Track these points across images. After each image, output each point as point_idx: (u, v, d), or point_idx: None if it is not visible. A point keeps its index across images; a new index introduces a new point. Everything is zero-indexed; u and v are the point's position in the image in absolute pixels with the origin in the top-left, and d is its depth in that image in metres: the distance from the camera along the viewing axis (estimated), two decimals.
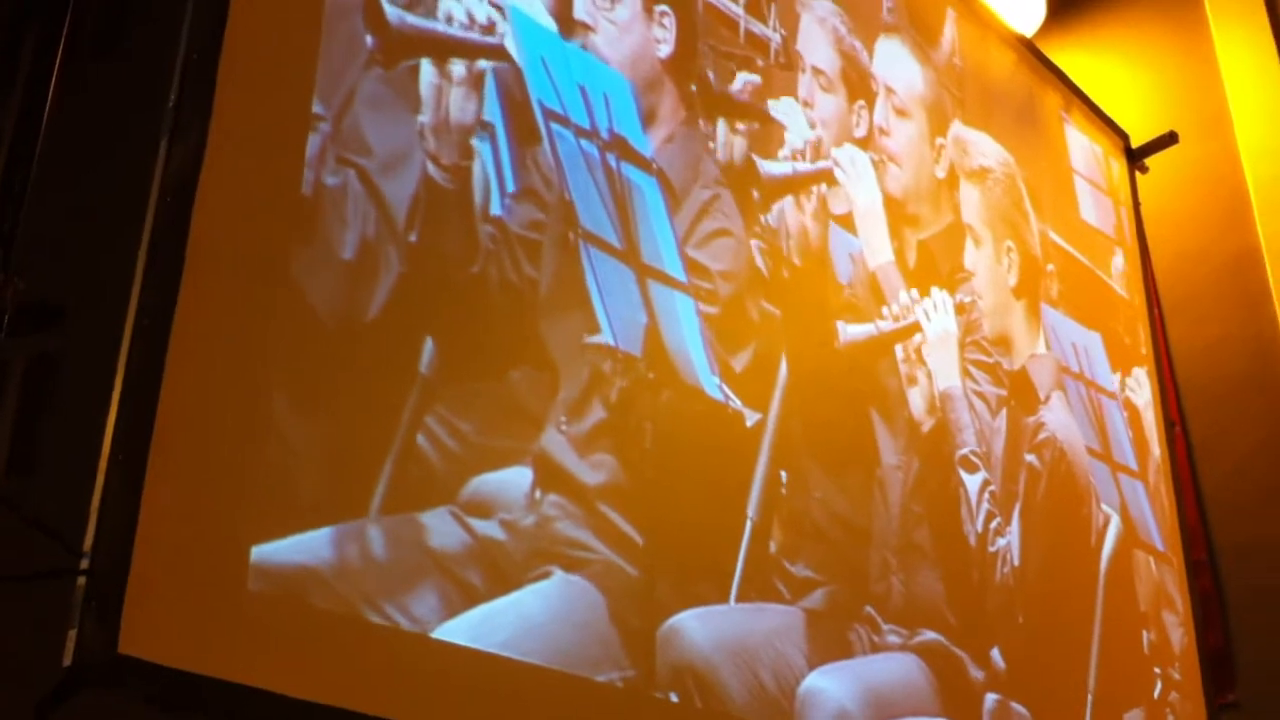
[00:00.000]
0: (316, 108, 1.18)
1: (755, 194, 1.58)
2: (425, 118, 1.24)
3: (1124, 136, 3.32)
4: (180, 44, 1.14)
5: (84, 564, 1.00)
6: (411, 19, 1.24)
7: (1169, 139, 3.23)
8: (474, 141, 1.27)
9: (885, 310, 1.74)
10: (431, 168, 1.23)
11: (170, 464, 1.01)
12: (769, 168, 1.64)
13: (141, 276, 1.06)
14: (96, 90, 1.27)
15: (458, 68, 1.28)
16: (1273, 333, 2.99)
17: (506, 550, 1.21)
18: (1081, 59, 3.57)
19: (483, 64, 1.30)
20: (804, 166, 1.68)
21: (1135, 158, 3.31)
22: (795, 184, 1.68)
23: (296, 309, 1.12)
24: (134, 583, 0.97)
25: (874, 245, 1.79)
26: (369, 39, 1.21)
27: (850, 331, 1.67)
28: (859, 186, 1.78)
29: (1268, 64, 3.24)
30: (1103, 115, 3.22)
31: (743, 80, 1.60)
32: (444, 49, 1.27)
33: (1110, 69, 3.62)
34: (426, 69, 1.25)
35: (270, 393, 1.09)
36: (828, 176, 1.74)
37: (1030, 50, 3.03)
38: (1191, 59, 3.41)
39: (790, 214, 1.65)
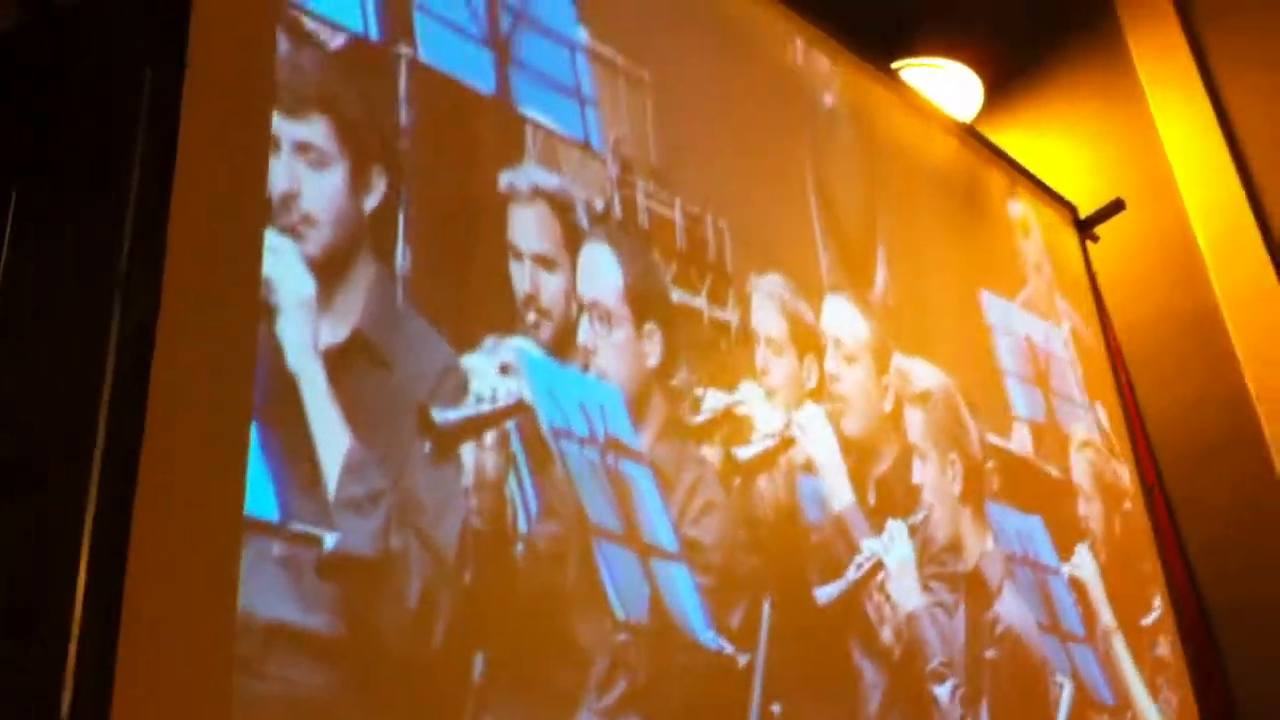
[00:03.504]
0: None
1: (736, 481, 1.86)
2: (467, 481, 1.51)
3: (1072, 208, 3.48)
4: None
5: None
6: (453, 414, 1.51)
7: (1116, 206, 3.38)
8: (506, 488, 1.54)
9: (852, 562, 2.00)
10: (475, 521, 1.49)
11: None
12: (742, 453, 1.92)
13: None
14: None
15: (490, 437, 1.55)
16: (1241, 389, 3.12)
17: None
18: (1022, 138, 3.73)
19: (508, 424, 1.58)
20: (770, 443, 1.97)
21: (1085, 227, 3.48)
22: (765, 459, 1.96)
23: None
24: None
25: (837, 491, 2.07)
26: (425, 446, 1.48)
27: (825, 593, 1.94)
28: (819, 444, 2.06)
29: (1205, 125, 3.37)
30: (1048, 189, 3.39)
31: (713, 397, 1.88)
32: (481, 427, 1.54)
33: (1051, 146, 3.74)
34: (467, 447, 1.53)
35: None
36: (791, 444, 2.02)
37: (973, 135, 3.22)
38: (1130, 127, 3.55)
39: (764, 486, 1.93)
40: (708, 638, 1.75)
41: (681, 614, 1.73)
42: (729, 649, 1.77)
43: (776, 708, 1.79)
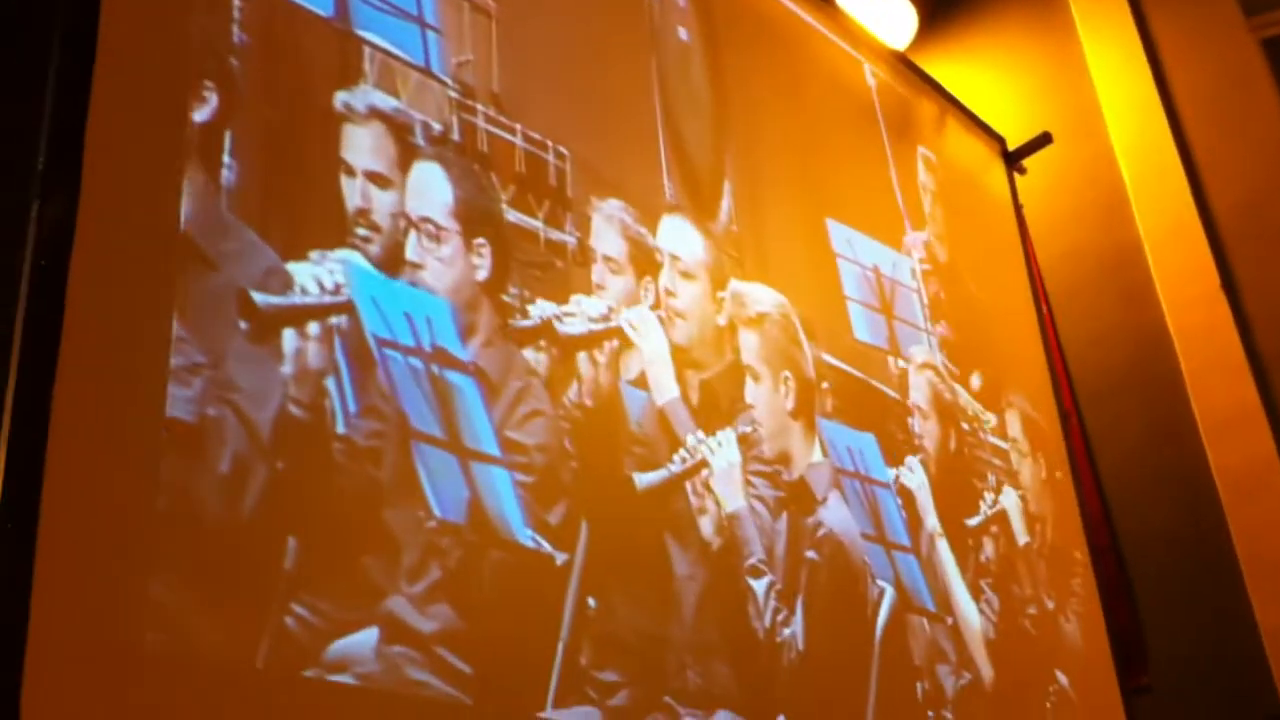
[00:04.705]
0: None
1: (555, 351, 1.97)
2: (287, 369, 1.61)
3: (1000, 140, 3.58)
4: None
5: None
6: (275, 299, 1.62)
7: (1043, 140, 3.50)
8: (326, 382, 1.65)
9: (676, 454, 2.14)
10: (293, 409, 1.60)
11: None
12: (565, 328, 2.04)
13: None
14: None
15: (313, 327, 1.66)
16: (1159, 323, 3.28)
17: (359, 697, 1.58)
18: (955, 69, 3.81)
19: (333, 320, 1.68)
20: (596, 326, 2.09)
21: (1013, 160, 3.59)
22: (589, 340, 2.08)
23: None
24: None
25: (661, 386, 2.20)
26: (242, 324, 1.58)
27: (645, 479, 2.08)
28: (646, 339, 2.19)
29: (1135, 63, 3.48)
30: (978, 120, 3.48)
31: (543, 306, 1.99)
32: (303, 316, 1.65)
33: (983, 77, 3.84)
34: (288, 334, 1.63)
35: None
36: (619, 334, 2.14)
37: (905, 63, 3.28)
38: (1061, 62, 3.67)
39: (585, 368, 2.05)
40: (525, 536, 1.89)
41: (499, 514, 1.86)
42: (547, 547, 1.91)
43: (593, 601, 1.94)
